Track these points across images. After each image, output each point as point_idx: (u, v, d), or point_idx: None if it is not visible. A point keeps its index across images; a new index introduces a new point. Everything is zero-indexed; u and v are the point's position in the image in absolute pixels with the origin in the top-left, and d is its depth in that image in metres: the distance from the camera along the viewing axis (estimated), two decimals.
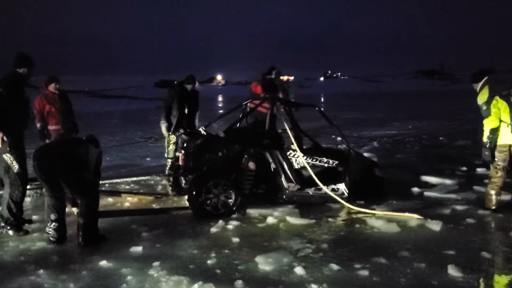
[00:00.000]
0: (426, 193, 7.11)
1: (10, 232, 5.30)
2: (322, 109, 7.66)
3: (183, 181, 6.83)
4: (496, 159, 5.99)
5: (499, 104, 5.83)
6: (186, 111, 8.01)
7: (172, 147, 7.94)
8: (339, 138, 12.12)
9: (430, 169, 8.94)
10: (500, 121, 5.84)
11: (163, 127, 8.00)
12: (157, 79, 67.10)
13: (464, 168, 8.92)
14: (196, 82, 8.29)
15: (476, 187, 7.24)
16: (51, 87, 7.12)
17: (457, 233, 5.34)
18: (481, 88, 6.14)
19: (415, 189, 7.33)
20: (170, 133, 7.94)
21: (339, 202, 6.31)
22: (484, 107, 6.00)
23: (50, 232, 5.02)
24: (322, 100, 43.91)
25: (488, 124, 5.90)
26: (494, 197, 6.05)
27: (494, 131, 5.88)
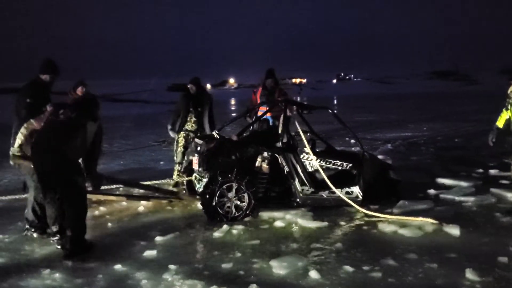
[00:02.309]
0: (442, 196, 7.03)
1: (35, 235, 5.34)
2: (335, 111, 7.61)
3: (197, 185, 6.85)
4: None
5: None
6: (194, 114, 7.92)
7: (180, 149, 7.94)
8: (352, 141, 12.04)
9: (446, 171, 8.84)
10: None
11: (171, 133, 8.10)
12: (170, 83, 67.48)
13: (480, 170, 8.80)
14: (199, 83, 8.06)
15: (492, 189, 7.13)
16: (79, 91, 7.44)
17: (474, 236, 5.26)
18: None
19: (431, 192, 7.25)
20: (177, 134, 7.99)
21: (353, 206, 6.26)
22: None
23: (54, 242, 4.98)
24: (335, 102, 43.75)
25: None
26: None
27: None
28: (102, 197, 7.01)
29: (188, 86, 7.99)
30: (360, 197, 6.47)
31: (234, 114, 24.26)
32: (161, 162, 10.77)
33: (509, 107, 6.16)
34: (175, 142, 8.10)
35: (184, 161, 7.99)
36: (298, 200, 6.38)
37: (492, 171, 8.57)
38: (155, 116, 25.08)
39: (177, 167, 7.96)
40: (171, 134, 8.10)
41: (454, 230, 5.33)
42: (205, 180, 6.22)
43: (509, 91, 6.17)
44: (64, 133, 4.81)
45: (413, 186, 7.47)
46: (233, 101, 45.50)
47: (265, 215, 6.09)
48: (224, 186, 5.94)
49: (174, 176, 7.91)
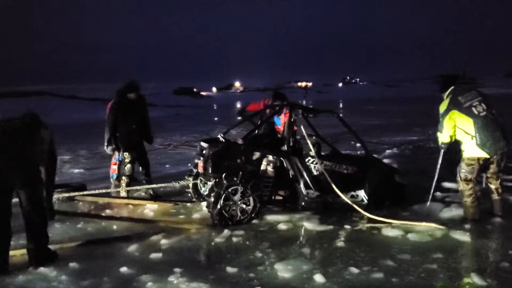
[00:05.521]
0: (448, 200, 7.01)
1: None
2: (340, 115, 7.61)
3: (202, 188, 6.89)
4: (463, 171, 5.95)
5: (456, 117, 5.75)
6: (134, 126, 7.30)
7: (128, 165, 7.31)
8: (358, 145, 12.02)
9: (452, 175, 8.76)
10: (465, 133, 5.76)
11: (108, 150, 7.38)
12: (176, 86, 67.66)
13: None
14: (139, 89, 7.40)
15: None
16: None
17: (479, 240, 5.24)
18: (446, 97, 6.01)
19: (437, 195, 7.23)
20: (122, 152, 7.32)
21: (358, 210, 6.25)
22: (440, 119, 5.93)
23: None
24: (341, 106, 43.72)
25: (440, 138, 6.01)
26: (474, 209, 5.91)
27: (446, 144, 6.01)
28: (106, 200, 7.07)
29: (128, 95, 7.32)
30: (365, 201, 6.46)
31: (239, 118, 24.28)
32: (167, 166, 10.81)
33: None
34: (122, 157, 7.43)
35: (131, 173, 7.38)
36: (303, 203, 6.38)
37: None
38: (161, 119, 25.14)
39: (125, 179, 7.37)
40: (108, 151, 7.47)
41: (459, 234, 5.31)
42: (210, 183, 6.23)
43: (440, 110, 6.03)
44: (19, 138, 4.47)
45: (419, 190, 7.43)
46: (238, 105, 45.52)
47: (270, 218, 6.10)
48: (230, 190, 5.95)
49: (122, 192, 7.36)
